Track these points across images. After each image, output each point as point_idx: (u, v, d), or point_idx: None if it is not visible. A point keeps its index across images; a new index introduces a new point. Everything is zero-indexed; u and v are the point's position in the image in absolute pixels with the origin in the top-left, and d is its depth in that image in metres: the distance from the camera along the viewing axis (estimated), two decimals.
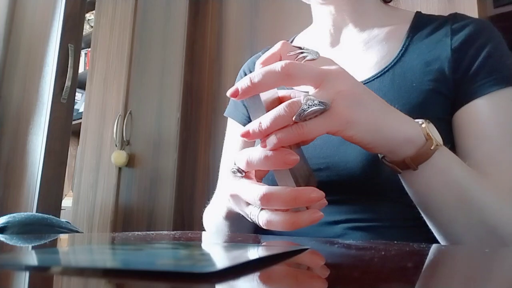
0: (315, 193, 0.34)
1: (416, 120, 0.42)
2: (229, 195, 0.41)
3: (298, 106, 0.34)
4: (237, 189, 0.39)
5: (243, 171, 0.39)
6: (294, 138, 0.35)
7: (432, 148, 0.40)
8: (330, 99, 0.35)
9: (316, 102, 0.35)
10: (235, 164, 0.39)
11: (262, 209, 0.37)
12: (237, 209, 0.43)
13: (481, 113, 0.52)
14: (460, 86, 0.54)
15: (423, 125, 0.41)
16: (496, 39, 0.56)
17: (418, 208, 0.46)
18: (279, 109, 0.35)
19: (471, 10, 1.04)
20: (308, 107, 0.34)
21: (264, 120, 0.35)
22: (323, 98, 0.35)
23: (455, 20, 0.58)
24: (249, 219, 0.40)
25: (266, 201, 0.35)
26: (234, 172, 0.40)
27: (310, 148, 0.54)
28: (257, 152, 0.36)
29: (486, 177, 0.48)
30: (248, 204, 0.39)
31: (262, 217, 0.36)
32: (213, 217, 0.59)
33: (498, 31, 0.57)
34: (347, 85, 0.37)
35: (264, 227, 0.37)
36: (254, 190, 0.36)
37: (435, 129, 0.42)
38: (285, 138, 0.34)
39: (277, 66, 0.35)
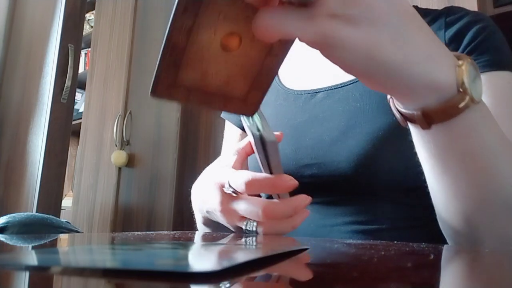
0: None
1: (455, 53, 0.31)
2: (221, 212, 0.42)
3: None
4: (234, 206, 0.41)
5: (237, 192, 0.41)
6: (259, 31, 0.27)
7: (460, 106, 0.29)
8: None
9: None
10: (230, 185, 0.40)
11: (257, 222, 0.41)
12: (225, 223, 0.44)
13: None
14: None
15: (462, 67, 0.29)
16: (490, 28, 0.52)
17: (425, 173, 0.36)
18: None
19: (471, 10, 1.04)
20: None
21: None
22: None
23: (450, 13, 0.56)
24: (244, 230, 0.42)
25: (266, 215, 0.39)
26: (228, 192, 0.41)
27: (301, 149, 0.53)
28: (260, 178, 0.38)
29: None
30: (242, 218, 0.41)
31: (261, 227, 0.40)
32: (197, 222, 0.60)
33: (495, 23, 0.54)
34: None
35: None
36: (256, 204, 0.39)
37: (476, 72, 0.31)
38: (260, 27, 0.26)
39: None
